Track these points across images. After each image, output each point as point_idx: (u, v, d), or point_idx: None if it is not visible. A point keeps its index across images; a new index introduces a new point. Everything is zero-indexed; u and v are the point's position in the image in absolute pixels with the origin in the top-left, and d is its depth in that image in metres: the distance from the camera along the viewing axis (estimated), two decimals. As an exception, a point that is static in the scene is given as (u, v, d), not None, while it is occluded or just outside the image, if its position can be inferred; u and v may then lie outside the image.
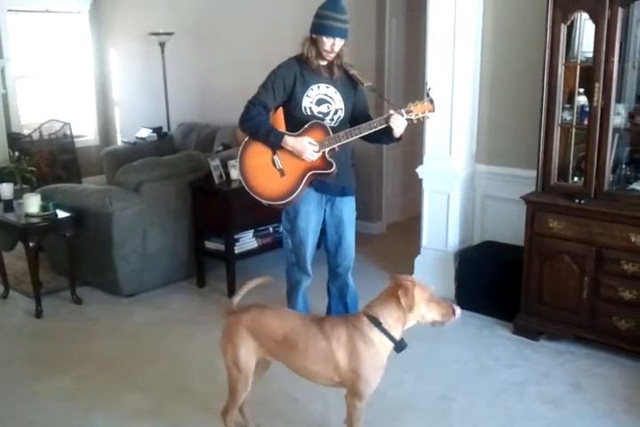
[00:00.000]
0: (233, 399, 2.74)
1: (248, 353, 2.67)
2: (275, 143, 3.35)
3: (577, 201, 3.57)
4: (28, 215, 4.28)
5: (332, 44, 3.31)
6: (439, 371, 3.51)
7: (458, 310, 2.54)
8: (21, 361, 3.77)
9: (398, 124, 3.29)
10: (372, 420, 2.68)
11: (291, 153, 3.36)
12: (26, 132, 7.48)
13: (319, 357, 2.56)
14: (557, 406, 3.21)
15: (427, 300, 2.51)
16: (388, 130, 3.33)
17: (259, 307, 2.76)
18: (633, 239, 3.41)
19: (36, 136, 7.38)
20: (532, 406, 3.21)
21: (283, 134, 3.36)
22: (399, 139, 3.45)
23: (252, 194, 3.44)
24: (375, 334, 2.51)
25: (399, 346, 2.52)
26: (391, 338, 2.50)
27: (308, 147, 3.31)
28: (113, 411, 3.22)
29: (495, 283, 4.09)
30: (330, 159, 3.37)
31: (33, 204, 4.31)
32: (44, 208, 4.33)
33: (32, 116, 7.79)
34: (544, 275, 3.74)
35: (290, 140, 3.33)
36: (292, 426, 3.06)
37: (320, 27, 3.32)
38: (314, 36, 3.35)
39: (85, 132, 8.40)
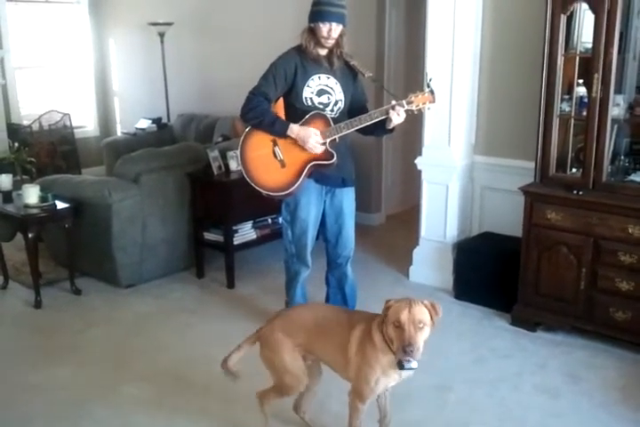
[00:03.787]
0: (278, 395, 2.72)
1: (292, 355, 2.64)
2: (280, 131, 3.36)
3: (575, 192, 3.57)
4: (27, 206, 4.29)
5: (329, 30, 3.30)
6: (436, 361, 3.52)
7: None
8: (21, 351, 3.79)
9: (399, 115, 3.29)
10: (369, 410, 2.69)
11: (292, 144, 3.37)
12: (25, 122, 7.47)
13: (338, 345, 2.55)
14: (553, 396, 3.23)
15: (392, 323, 2.34)
16: (384, 121, 3.33)
17: (285, 309, 2.76)
18: (631, 231, 3.42)
19: (35, 127, 7.37)
20: (528, 397, 3.23)
21: (288, 122, 3.37)
22: (392, 131, 3.45)
23: (252, 185, 3.45)
24: (377, 338, 2.45)
25: (401, 365, 2.39)
26: (392, 351, 2.40)
27: (313, 135, 3.31)
28: (112, 400, 3.23)
29: (493, 274, 4.10)
30: (331, 150, 3.37)
31: (32, 194, 4.31)
32: (43, 199, 4.33)
33: (32, 107, 7.77)
34: (542, 266, 3.75)
35: (295, 128, 3.34)
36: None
37: (316, 13, 3.33)
38: (311, 24, 3.35)
39: (85, 123, 8.39)
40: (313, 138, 3.31)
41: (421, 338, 2.32)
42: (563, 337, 3.79)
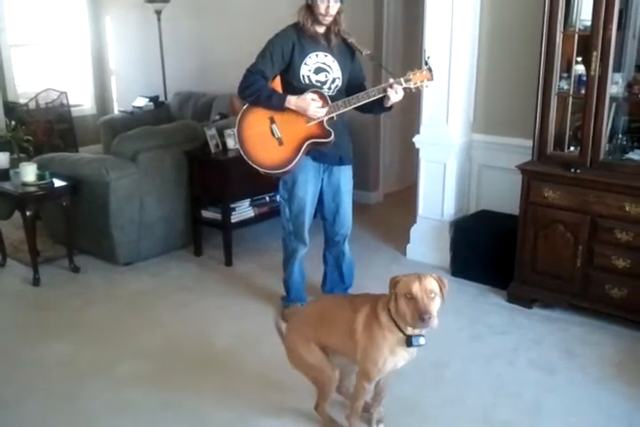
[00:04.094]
0: (323, 397, 2.74)
1: (307, 349, 2.66)
2: (278, 104, 3.34)
3: (572, 170, 3.58)
4: (24, 184, 4.29)
5: (327, 7, 3.28)
6: (433, 338, 3.51)
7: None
8: (19, 329, 3.81)
9: (397, 93, 3.28)
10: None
11: (289, 122, 3.36)
12: (22, 101, 7.44)
13: (345, 331, 2.56)
14: (549, 372, 3.26)
15: (404, 295, 2.35)
16: (381, 99, 3.32)
17: (293, 312, 2.81)
18: (627, 208, 3.43)
19: (32, 105, 7.34)
20: (523, 372, 3.26)
21: (285, 95, 3.36)
22: (390, 108, 3.44)
23: (249, 163, 3.44)
24: (384, 318, 2.47)
25: (410, 341, 2.42)
26: (398, 328, 2.43)
27: (312, 103, 3.30)
28: (110, 377, 3.26)
29: (490, 252, 4.12)
30: (328, 128, 3.36)
31: (29, 173, 4.31)
32: (40, 177, 4.33)
33: (28, 86, 7.73)
34: (538, 244, 3.77)
35: (293, 99, 3.32)
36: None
37: None
38: (309, 2, 3.32)
39: (82, 102, 8.35)
40: (312, 104, 3.29)
41: (435, 307, 2.34)
42: (559, 314, 3.81)
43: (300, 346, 2.69)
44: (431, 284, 2.35)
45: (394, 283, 2.40)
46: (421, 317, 2.28)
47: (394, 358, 2.50)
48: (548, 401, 3.02)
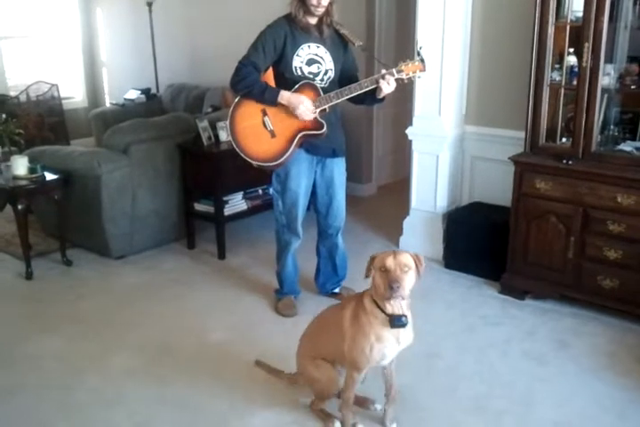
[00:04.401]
0: (320, 401, 2.83)
1: (320, 368, 2.73)
2: (271, 99, 3.33)
3: (565, 162, 3.58)
4: (15, 177, 4.27)
5: None
6: (426, 329, 3.56)
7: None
8: (12, 322, 3.80)
9: (389, 83, 3.28)
10: (377, 385, 2.75)
11: (281, 114, 3.35)
12: (12, 93, 7.39)
13: (337, 331, 2.61)
14: (541, 362, 3.27)
15: (379, 269, 2.42)
16: (373, 90, 3.32)
17: (304, 333, 2.90)
18: (619, 200, 3.44)
19: (23, 98, 7.31)
20: (516, 363, 3.28)
21: (278, 89, 3.35)
22: (382, 99, 3.44)
23: (242, 155, 3.43)
24: (367, 302, 2.52)
25: (392, 320, 2.47)
26: (381, 310, 2.48)
27: (304, 102, 3.29)
28: (104, 370, 3.26)
29: (483, 243, 4.13)
30: (320, 120, 3.36)
31: (21, 166, 4.29)
32: (31, 170, 4.31)
33: (19, 78, 7.68)
34: (531, 235, 3.78)
35: (286, 95, 3.32)
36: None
37: None
38: (301, -8, 3.31)
39: (73, 94, 8.31)
40: (304, 104, 3.29)
41: (407, 280, 2.40)
42: (551, 305, 3.83)
43: (308, 366, 2.77)
44: (406, 258, 2.42)
45: (371, 259, 2.48)
46: (390, 285, 2.35)
47: (380, 344, 2.52)
48: (540, 391, 3.03)
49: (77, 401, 3.01)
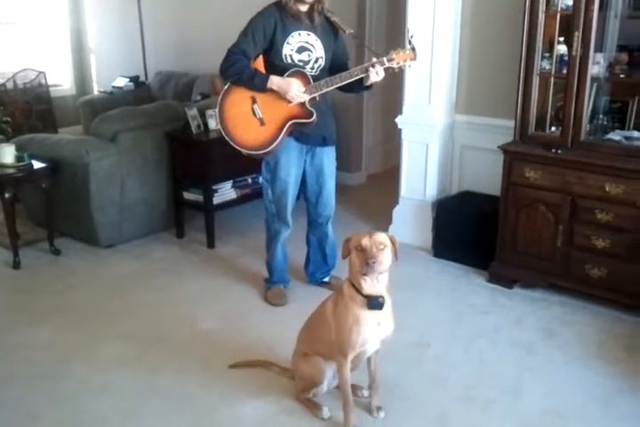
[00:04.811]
0: (304, 392, 2.85)
1: (309, 363, 2.77)
2: (261, 84, 3.31)
3: (554, 151, 3.58)
4: (2, 166, 4.22)
5: None
6: (415, 318, 3.57)
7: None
8: (1, 312, 3.78)
9: (378, 73, 3.26)
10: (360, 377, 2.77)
11: (271, 102, 3.33)
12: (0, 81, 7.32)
13: (323, 319, 2.66)
14: (529, 351, 3.29)
15: (356, 248, 2.47)
16: (362, 78, 3.30)
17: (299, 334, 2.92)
18: (607, 189, 3.45)
19: (10, 86, 7.23)
20: (504, 351, 3.29)
21: (268, 75, 3.33)
22: (370, 87, 3.42)
23: (231, 143, 3.42)
24: (346, 287, 2.57)
25: (369, 302, 2.50)
26: (358, 292, 2.51)
27: (294, 85, 3.27)
28: (94, 360, 3.25)
29: (472, 232, 4.14)
30: (310, 108, 3.34)
31: (7, 154, 4.25)
32: (19, 158, 4.27)
33: (5, 65, 7.59)
34: (519, 224, 3.79)
35: (276, 79, 3.30)
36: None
37: None
38: (292, -20, 3.28)
39: (61, 82, 8.23)
40: (294, 87, 3.27)
41: (383, 256, 2.45)
42: (539, 294, 3.85)
43: (301, 364, 2.80)
44: (381, 237, 2.48)
45: (347, 240, 2.52)
46: (367, 262, 2.40)
47: (359, 326, 2.53)
48: (529, 380, 3.05)
49: (67, 391, 3.00)
